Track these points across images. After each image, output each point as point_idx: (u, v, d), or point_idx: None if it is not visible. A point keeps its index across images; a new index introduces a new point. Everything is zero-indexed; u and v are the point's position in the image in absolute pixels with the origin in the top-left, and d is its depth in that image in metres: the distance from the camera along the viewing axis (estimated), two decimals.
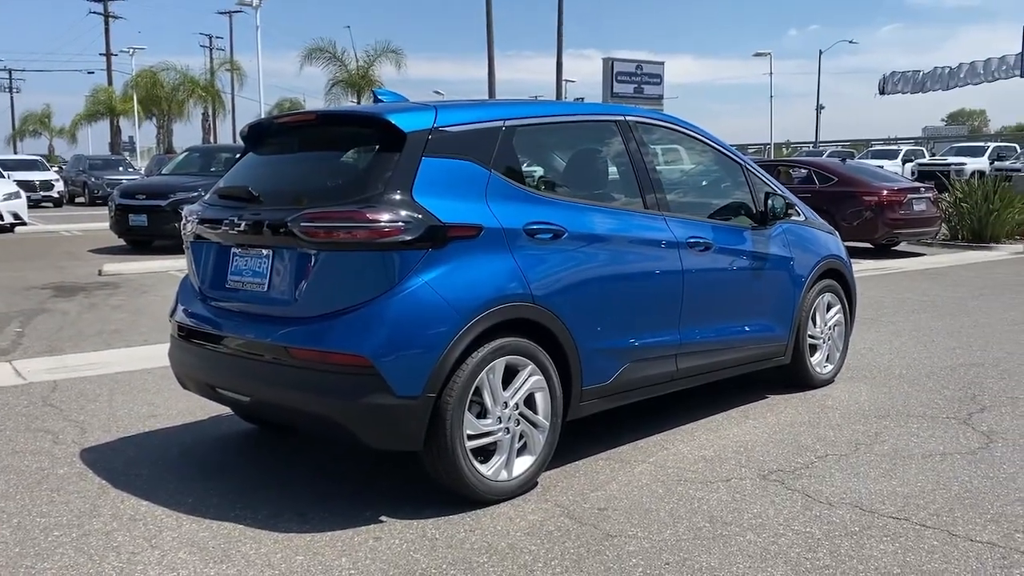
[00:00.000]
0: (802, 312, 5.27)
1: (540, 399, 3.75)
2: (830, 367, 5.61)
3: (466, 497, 3.56)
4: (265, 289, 3.66)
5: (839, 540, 3.26)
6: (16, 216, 18.39)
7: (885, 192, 13.06)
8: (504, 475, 3.64)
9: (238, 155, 4.41)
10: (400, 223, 3.38)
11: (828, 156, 30.28)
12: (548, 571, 3.04)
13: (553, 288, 3.74)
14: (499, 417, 3.60)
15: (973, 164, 31.08)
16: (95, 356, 6.49)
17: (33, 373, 5.94)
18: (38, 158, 31.83)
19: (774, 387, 5.44)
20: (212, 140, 49.64)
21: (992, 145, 36.47)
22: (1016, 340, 6.95)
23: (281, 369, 3.51)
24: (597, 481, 3.89)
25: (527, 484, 3.73)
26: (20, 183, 20.80)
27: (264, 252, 3.67)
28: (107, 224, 15.13)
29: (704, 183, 5.62)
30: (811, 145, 50.78)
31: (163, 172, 17.76)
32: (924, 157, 35.88)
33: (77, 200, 30.20)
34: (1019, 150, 34.53)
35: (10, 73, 72.14)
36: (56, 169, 33.23)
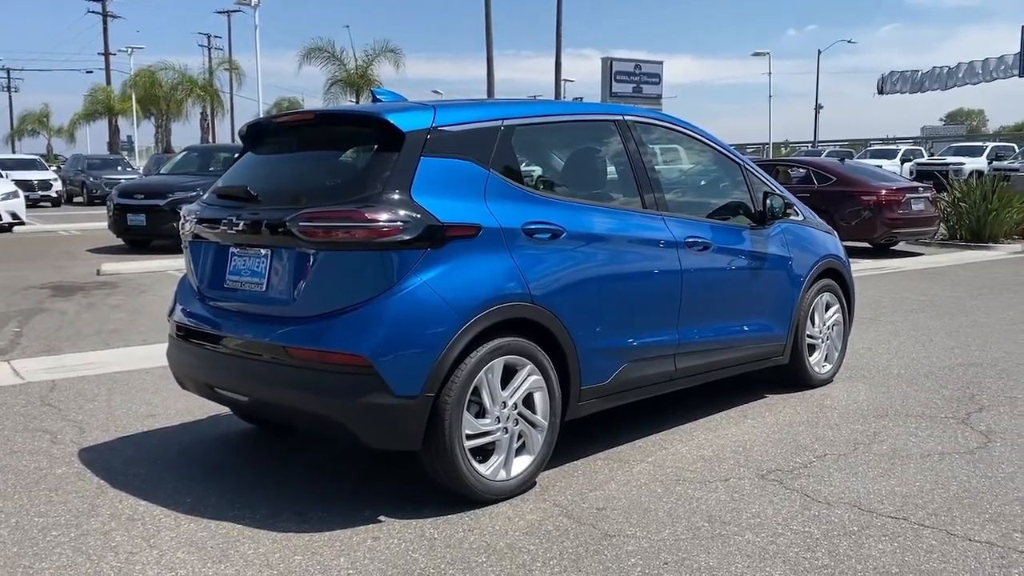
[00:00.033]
0: (800, 312, 5.27)
1: (539, 399, 3.75)
2: (828, 367, 5.62)
3: (465, 497, 3.56)
4: (263, 289, 3.65)
5: (837, 540, 3.26)
6: (14, 216, 18.37)
7: (883, 192, 13.06)
8: (503, 475, 3.64)
9: (236, 155, 4.41)
10: (399, 223, 3.38)
11: (827, 156, 30.29)
12: (546, 571, 3.04)
13: (552, 288, 3.74)
14: (498, 417, 3.60)
15: (971, 164, 31.09)
16: (93, 356, 6.49)
17: (31, 373, 5.94)
18: (36, 158, 31.79)
19: (773, 387, 5.44)
20: (211, 139, 49.63)
21: (990, 145, 36.49)
22: (1014, 340, 6.96)
23: (280, 369, 3.51)
24: (596, 481, 3.89)
25: (526, 484, 3.73)
26: (18, 183, 20.77)
27: (263, 252, 3.67)
28: (105, 224, 15.12)
29: (703, 183, 5.62)
30: (810, 145, 50.79)
31: (161, 172, 17.76)
32: (923, 157, 35.88)
33: (75, 200, 30.17)
34: (1017, 150, 34.55)
35: (8, 72, 72.18)
36: (54, 169, 33.18)
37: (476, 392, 3.53)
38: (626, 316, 4.13)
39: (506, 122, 3.90)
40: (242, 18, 59.20)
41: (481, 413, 3.57)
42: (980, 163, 31.44)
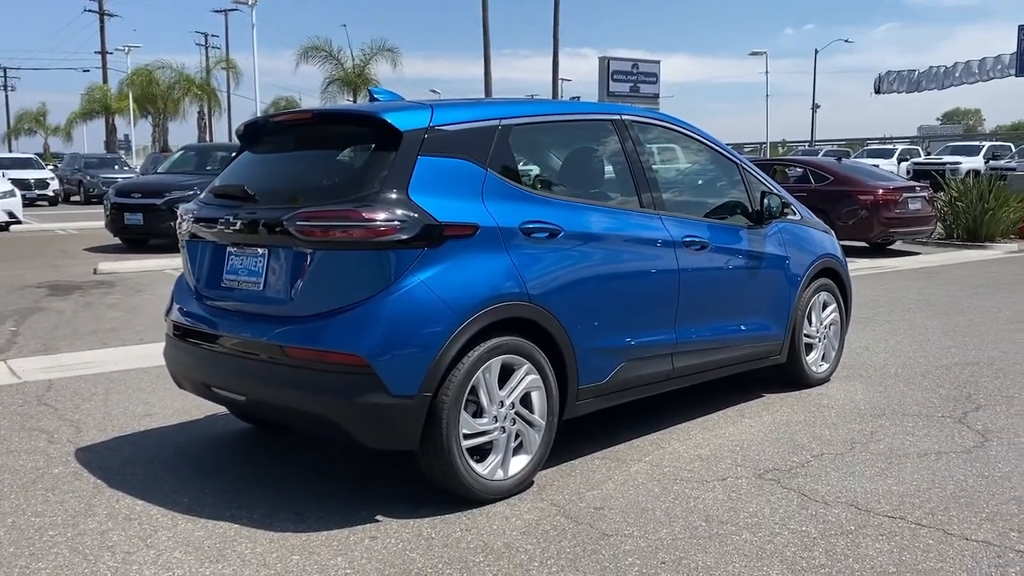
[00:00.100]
0: (798, 311, 5.28)
1: (536, 398, 3.74)
2: (826, 366, 5.62)
3: (462, 496, 3.56)
4: (261, 288, 3.65)
5: (835, 539, 3.27)
6: (11, 215, 18.35)
7: (880, 191, 13.08)
8: (500, 474, 3.64)
9: (234, 154, 4.40)
10: (396, 222, 3.37)
11: (824, 155, 30.32)
12: (544, 570, 3.04)
13: (549, 287, 3.74)
14: (495, 416, 3.60)
15: (968, 163, 31.12)
16: (90, 355, 6.48)
17: (28, 372, 5.93)
18: (33, 156, 31.74)
19: (770, 386, 5.45)
20: (208, 138, 49.59)
21: (987, 144, 36.51)
22: (1011, 339, 6.97)
23: (277, 368, 3.51)
24: (593, 480, 3.89)
25: (523, 483, 3.73)
26: (15, 181, 20.76)
27: (260, 251, 3.67)
28: (102, 223, 15.10)
29: (700, 182, 5.62)
30: (807, 144, 50.82)
31: (159, 171, 17.74)
32: (919, 156, 35.91)
33: (72, 199, 30.13)
34: (1014, 149, 34.59)
35: (5, 71, 72.02)
36: (51, 168, 33.13)
37: (474, 391, 3.52)
38: (623, 315, 4.13)
39: (504, 121, 3.89)
40: (240, 17, 59.15)
41: (479, 413, 3.57)
42: (977, 163, 31.47)
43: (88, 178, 29.01)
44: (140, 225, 13.96)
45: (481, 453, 3.60)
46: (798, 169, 14.38)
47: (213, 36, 66.04)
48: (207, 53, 56.80)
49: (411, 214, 3.41)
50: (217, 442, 4.56)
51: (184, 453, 4.34)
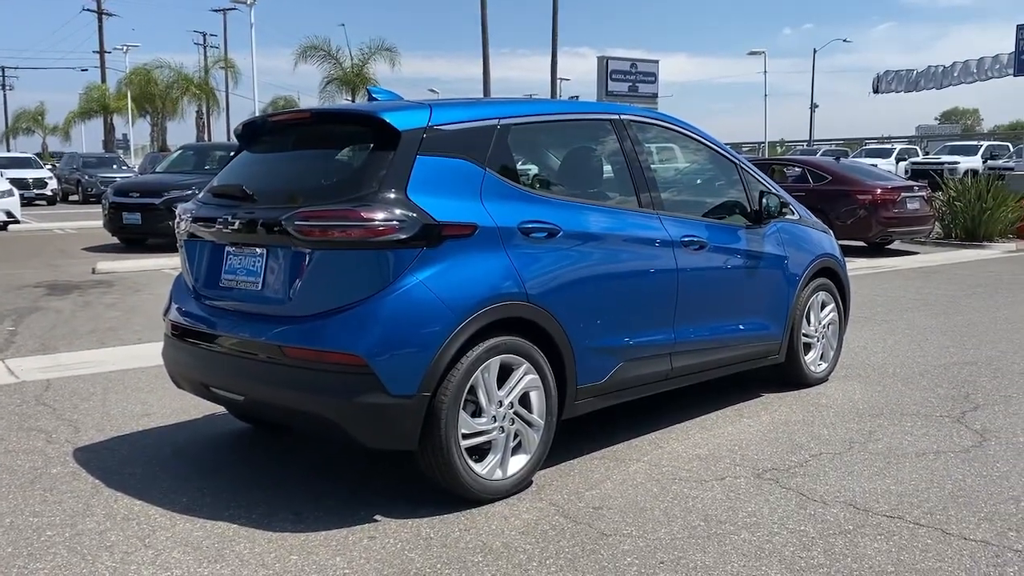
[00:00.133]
0: (796, 311, 5.28)
1: (535, 398, 3.74)
2: (824, 365, 5.62)
3: (461, 496, 3.56)
4: (259, 288, 3.65)
5: (833, 538, 3.27)
6: (9, 214, 18.34)
7: (879, 191, 13.09)
8: (499, 474, 3.64)
9: (232, 153, 4.40)
10: (395, 222, 3.37)
11: (822, 155, 30.32)
12: (543, 570, 3.04)
13: (548, 287, 3.74)
14: (494, 416, 3.60)
15: (966, 163, 31.16)
16: (89, 355, 6.47)
17: (26, 372, 5.92)
18: (31, 156, 31.72)
19: (768, 385, 5.45)
20: (206, 138, 49.56)
21: (985, 144, 36.55)
22: (1009, 339, 6.98)
23: (275, 368, 3.51)
24: (592, 480, 3.89)
25: (522, 483, 3.73)
26: (13, 181, 20.73)
27: (258, 251, 3.66)
28: (101, 222, 15.10)
29: (699, 182, 5.62)
30: (805, 144, 50.85)
31: (157, 170, 17.74)
32: (917, 156, 35.95)
33: (71, 198, 30.11)
34: (1012, 149, 34.62)
35: (3, 70, 72.00)
36: (50, 167, 33.11)
37: (472, 391, 3.52)
38: (622, 315, 4.13)
39: (502, 121, 3.89)
40: (238, 16, 59.16)
41: (477, 412, 3.57)
42: (975, 162, 31.51)
43: (86, 177, 28.99)
44: (138, 224, 13.96)
45: (480, 453, 3.60)
46: (796, 169, 14.38)
47: (212, 35, 66.21)
48: (205, 52, 56.83)
49: (410, 214, 3.41)
50: (215, 442, 4.56)
51: (182, 453, 4.34)
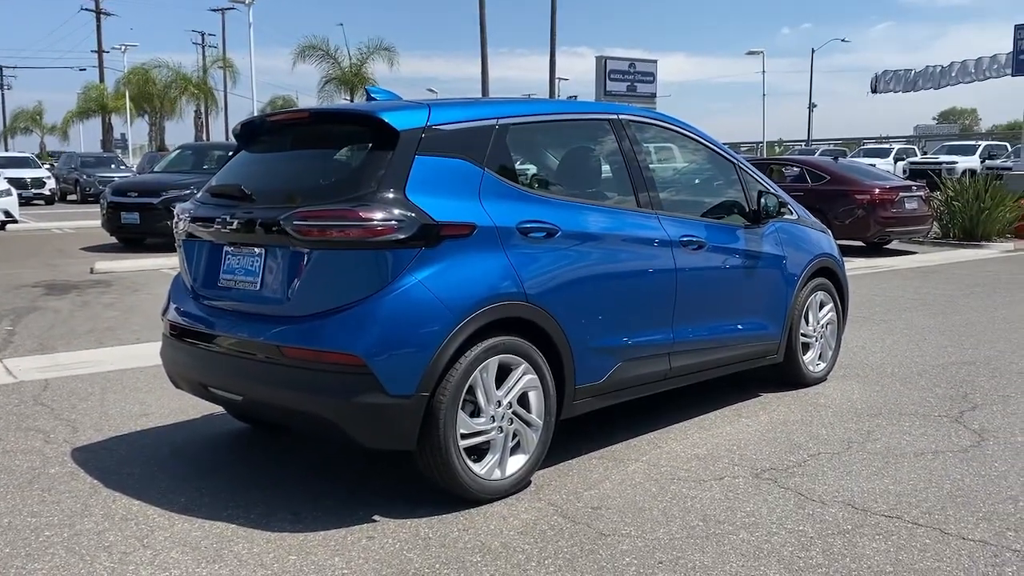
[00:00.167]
0: (795, 310, 5.28)
1: (533, 398, 3.74)
2: (823, 365, 5.63)
3: (459, 496, 3.56)
4: (258, 288, 3.64)
5: (832, 538, 3.27)
6: (7, 214, 18.32)
7: (877, 190, 13.10)
8: (497, 474, 3.64)
9: (231, 153, 4.40)
10: (393, 222, 3.37)
11: (820, 155, 30.34)
12: (541, 570, 3.04)
13: (546, 287, 3.74)
14: (492, 416, 3.60)
15: (964, 163, 31.19)
16: (87, 354, 6.47)
17: (24, 372, 5.91)
18: (29, 155, 31.69)
19: (767, 385, 5.45)
20: (205, 137, 49.49)
21: (983, 144, 36.61)
22: (1007, 338, 6.98)
23: (274, 368, 3.50)
24: (590, 480, 3.89)
25: (520, 483, 3.73)
26: (11, 180, 20.70)
27: (257, 251, 3.66)
28: (99, 222, 15.08)
29: (697, 181, 5.62)
30: (803, 143, 50.89)
31: (155, 170, 17.75)
32: (916, 155, 35.98)
33: (69, 198, 30.08)
34: (1010, 149, 34.64)
35: (1, 70, 71.79)
36: (48, 167, 33.07)
37: (471, 391, 3.52)
38: (621, 315, 4.13)
39: (501, 121, 3.89)
40: (236, 16, 59.02)
41: (476, 412, 3.57)
42: (973, 162, 31.55)
43: (84, 177, 28.96)
44: (137, 224, 13.95)
45: (478, 453, 3.60)
46: (795, 168, 14.39)
47: (210, 35, 66.15)
48: (204, 52, 56.80)
49: (408, 214, 3.41)
50: (214, 442, 4.55)
51: (181, 453, 4.33)
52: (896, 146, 39.61)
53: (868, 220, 13.04)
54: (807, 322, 5.44)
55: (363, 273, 3.40)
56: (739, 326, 4.91)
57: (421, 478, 3.61)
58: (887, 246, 14.08)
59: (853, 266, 10.12)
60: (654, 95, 30.08)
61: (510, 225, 3.68)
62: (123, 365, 6.05)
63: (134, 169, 29.39)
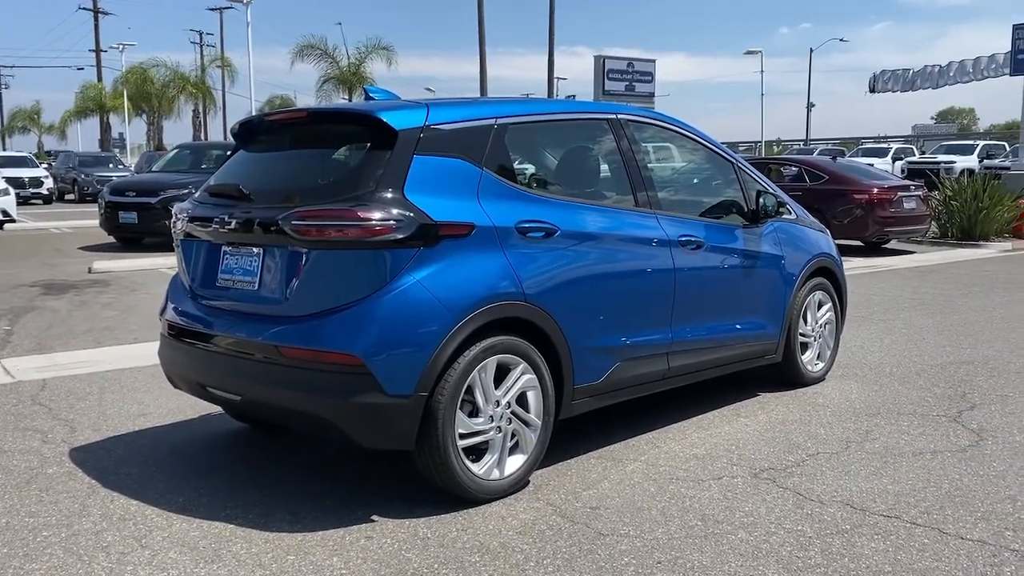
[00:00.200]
0: (793, 310, 5.28)
1: (532, 398, 3.74)
2: (821, 365, 5.63)
3: (458, 496, 3.56)
4: (256, 288, 3.64)
5: (830, 538, 3.27)
6: (5, 213, 18.29)
7: (875, 190, 13.11)
8: (496, 474, 3.64)
9: (229, 152, 4.39)
10: (391, 221, 3.37)
11: (818, 154, 30.36)
12: (540, 570, 3.03)
13: (545, 287, 3.74)
14: (491, 416, 3.60)
15: (963, 162, 31.20)
16: (85, 354, 6.46)
17: (22, 371, 5.91)
18: (27, 155, 31.65)
19: (765, 385, 5.45)
20: (203, 137, 49.48)
21: (981, 143, 36.60)
22: (1006, 338, 6.99)
23: (272, 368, 3.50)
24: (589, 480, 3.89)
25: (519, 483, 3.73)
26: (9, 180, 20.68)
27: (255, 250, 3.66)
28: (97, 221, 15.07)
29: (695, 181, 5.62)
30: (802, 143, 50.92)
31: (153, 169, 17.73)
32: (914, 155, 35.99)
33: (67, 197, 30.04)
34: (1008, 148, 34.67)
35: None
36: (45, 166, 33.04)
37: (469, 391, 3.52)
38: (619, 315, 4.13)
39: (499, 121, 3.89)
40: (235, 15, 59.06)
41: (474, 412, 3.56)
42: (971, 161, 31.55)
43: (82, 176, 28.92)
44: (135, 224, 13.94)
45: (477, 453, 3.60)
46: (793, 168, 14.40)
47: (208, 34, 65.86)
48: (202, 51, 56.73)
49: (407, 213, 3.40)
50: (212, 442, 4.55)
51: (179, 453, 4.33)
52: (894, 146, 39.62)
53: (866, 220, 13.05)
54: (805, 322, 5.44)
55: (361, 273, 3.39)
56: (737, 326, 4.91)
57: (419, 478, 3.61)
58: (885, 246, 14.09)
59: (851, 266, 10.13)
60: (652, 94, 30.10)
61: (509, 225, 3.68)
62: (121, 365, 6.05)
63: (132, 168, 29.37)
